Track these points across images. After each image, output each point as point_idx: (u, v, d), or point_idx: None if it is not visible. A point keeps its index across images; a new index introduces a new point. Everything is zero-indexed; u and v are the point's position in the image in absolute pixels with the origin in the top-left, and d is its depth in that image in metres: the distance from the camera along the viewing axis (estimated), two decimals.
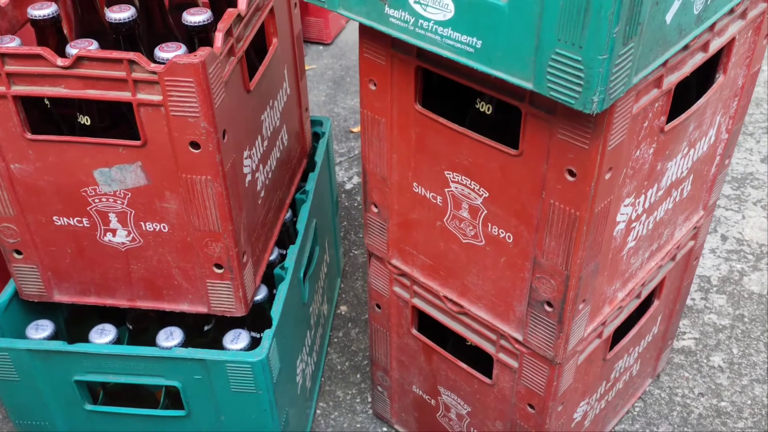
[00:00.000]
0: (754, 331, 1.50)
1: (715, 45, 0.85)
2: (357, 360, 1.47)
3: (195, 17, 0.95)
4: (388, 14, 0.77)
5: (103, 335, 1.04)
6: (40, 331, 1.05)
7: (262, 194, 1.11)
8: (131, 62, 0.85)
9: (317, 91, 2.27)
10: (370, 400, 1.39)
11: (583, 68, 0.64)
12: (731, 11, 0.83)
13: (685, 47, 0.78)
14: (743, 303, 1.56)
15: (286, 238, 1.28)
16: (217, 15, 0.99)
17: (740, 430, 1.32)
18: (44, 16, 0.95)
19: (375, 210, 1.03)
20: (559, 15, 0.63)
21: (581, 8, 0.61)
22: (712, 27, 0.81)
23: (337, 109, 2.20)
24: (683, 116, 0.88)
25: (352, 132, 2.10)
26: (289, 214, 1.27)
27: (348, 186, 1.90)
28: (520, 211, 0.86)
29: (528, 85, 0.69)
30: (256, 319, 1.13)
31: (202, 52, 0.84)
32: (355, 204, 1.85)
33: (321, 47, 2.49)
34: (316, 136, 1.43)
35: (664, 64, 0.76)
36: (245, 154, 1.01)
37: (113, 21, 0.94)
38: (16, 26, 1.01)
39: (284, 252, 1.25)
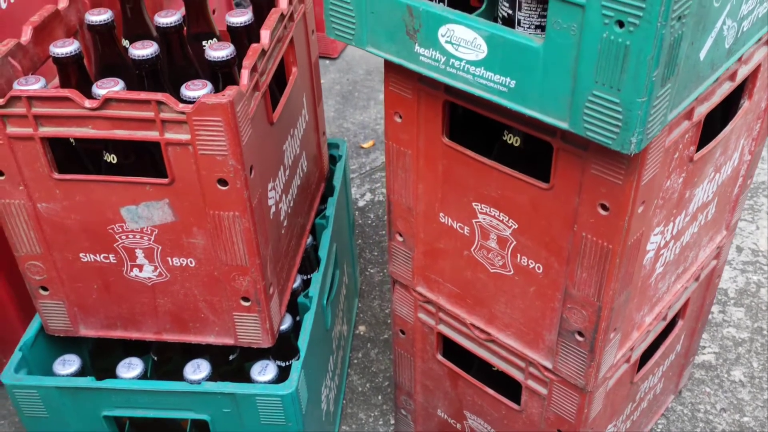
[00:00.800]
0: None
1: (742, 73, 0.85)
2: (378, 381, 1.47)
3: (218, 53, 0.95)
4: (418, 53, 0.77)
5: (130, 369, 1.04)
6: (68, 366, 1.05)
7: (285, 223, 1.11)
8: (159, 103, 0.85)
9: (326, 107, 2.27)
10: (392, 422, 1.38)
11: (622, 110, 0.64)
12: (758, 40, 0.84)
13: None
14: (761, 315, 1.56)
15: (308, 264, 1.28)
16: (236, 43, 1.00)
17: None
18: (67, 54, 0.95)
19: (400, 239, 1.03)
20: (596, 58, 0.63)
21: (620, 52, 0.61)
22: (740, 58, 0.81)
23: (346, 125, 2.20)
24: (711, 144, 0.88)
25: (362, 147, 2.10)
26: (309, 239, 1.27)
27: (361, 203, 1.90)
28: (550, 243, 0.86)
29: (563, 125, 0.69)
30: (281, 348, 1.13)
31: (230, 91, 0.84)
32: (369, 221, 1.85)
33: (327, 62, 2.49)
34: (332, 159, 1.43)
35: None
36: (269, 186, 1.02)
37: (136, 58, 0.94)
38: (37, 63, 1.01)
39: (306, 277, 1.25)
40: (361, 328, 1.58)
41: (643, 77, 0.61)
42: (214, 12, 1.74)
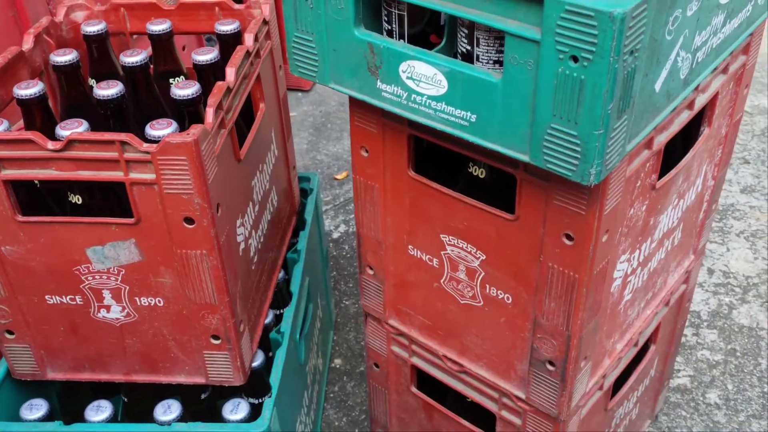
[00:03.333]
0: (747, 366, 1.51)
1: (700, 101, 0.86)
2: (354, 415, 1.45)
3: (183, 91, 0.95)
4: (381, 89, 0.78)
5: (99, 412, 1.02)
6: (35, 411, 1.03)
7: (255, 259, 1.11)
8: (123, 143, 0.84)
9: (299, 139, 2.28)
10: None
11: (580, 143, 0.65)
12: (714, 69, 0.85)
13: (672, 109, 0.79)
14: (734, 337, 1.57)
15: (280, 299, 1.27)
16: (202, 81, 1.00)
17: None
18: (31, 95, 0.94)
19: (370, 272, 1.03)
20: (553, 92, 0.64)
21: (575, 86, 0.62)
22: (696, 87, 0.83)
23: (320, 156, 2.20)
24: (673, 172, 0.89)
25: (336, 179, 2.11)
26: (281, 274, 1.26)
27: (335, 235, 1.90)
28: (518, 273, 0.86)
29: (524, 158, 0.70)
30: (254, 385, 1.12)
31: (195, 130, 0.84)
32: (343, 253, 1.84)
33: (300, 94, 2.50)
34: (304, 192, 1.43)
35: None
36: (238, 222, 1.01)
37: (101, 98, 0.94)
38: (1, 105, 1.00)
39: (278, 312, 1.24)
40: (337, 361, 1.57)
41: (599, 110, 0.62)
42: (184, 48, 1.74)
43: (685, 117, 0.85)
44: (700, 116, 0.94)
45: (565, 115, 0.64)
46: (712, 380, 1.48)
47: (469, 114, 0.72)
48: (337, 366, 1.56)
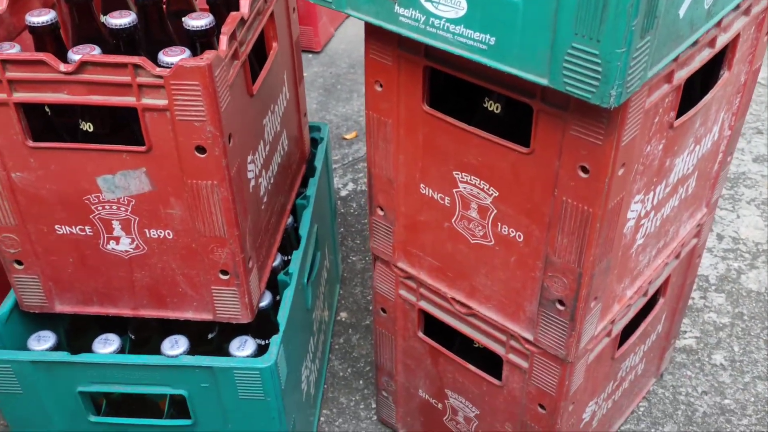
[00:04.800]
0: (754, 329, 1.50)
1: (721, 40, 0.85)
2: (359, 366, 1.45)
3: (197, 21, 0.94)
4: (398, 13, 0.77)
5: (106, 345, 1.02)
6: (42, 342, 1.03)
7: (265, 199, 1.10)
8: (136, 66, 0.84)
9: (308, 99, 2.26)
10: (374, 406, 1.37)
11: (601, 62, 0.63)
12: (737, 7, 0.84)
13: (694, 43, 0.78)
14: (742, 301, 1.56)
15: (288, 244, 1.27)
16: (215, 16, 0.99)
17: (744, 427, 1.32)
18: (43, 23, 0.93)
19: (381, 213, 1.03)
20: (576, 9, 0.63)
21: (599, 2, 0.61)
22: (719, 23, 0.81)
23: (329, 117, 2.19)
24: (692, 112, 0.88)
25: (344, 139, 2.10)
26: (290, 220, 1.26)
27: (343, 193, 1.90)
28: (531, 209, 0.85)
29: (543, 81, 0.69)
30: (261, 325, 1.12)
31: (208, 55, 0.83)
32: (351, 210, 1.84)
33: (311, 55, 2.48)
34: (314, 142, 1.42)
35: (675, 59, 0.76)
36: (249, 158, 1.00)
37: (113, 27, 0.93)
38: (13, 33, 0.99)
39: (287, 258, 1.24)
40: (343, 315, 1.57)
41: (622, 27, 0.61)
42: None
43: (706, 54, 0.84)
44: (720, 61, 0.93)
45: (587, 33, 0.63)
46: (719, 342, 1.48)
47: (488, 37, 0.71)
48: (343, 319, 1.56)
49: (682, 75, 0.80)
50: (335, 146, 2.06)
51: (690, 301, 1.55)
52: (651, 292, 1.09)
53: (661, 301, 1.17)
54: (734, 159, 1.96)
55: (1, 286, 1.11)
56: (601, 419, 1.21)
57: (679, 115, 0.86)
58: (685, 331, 1.50)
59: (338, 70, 2.42)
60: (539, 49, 0.67)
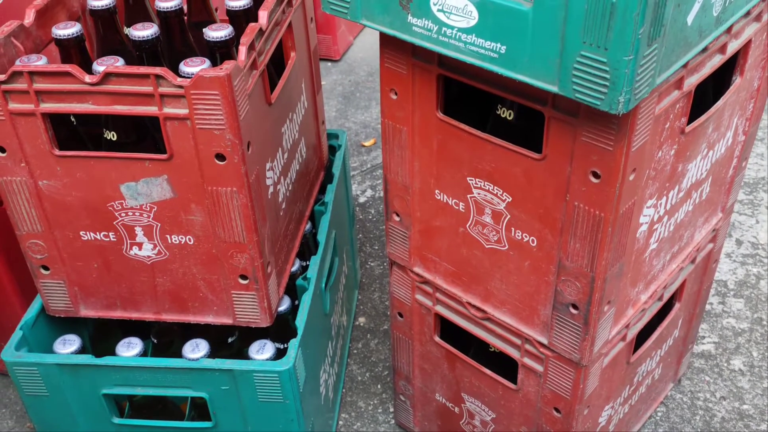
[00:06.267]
0: None
1: (732, 47, 0.86)
2: (377, 371, 1.47)
3: (217, 33, 0.97)
4: (411, 23, 0.78)
5: (130, 348, 1.05)
6: (68, 345, 1.06)
7: (284, 206, 1.12)
8: (158, 77, 0.86)
9: (328, 107, 2.29)
10: (392, 410, 1.39)
11: (609, 69, 0.65)
12: (747, 13, 0.85)
13: (704, 49, 0.79)
14: (761, 306, 1.56)
15: (306, 250, 1.29)
16: (235, 27, 1.01)
17: None
18: (69, 35, 0.96)
19: (397, 218, 1.04)
20: (584, 18, 0.64)
21: (606, 11, 0.62)
22: (729, 29, 0.82)
23: (348, 124, 2.21)
24: (703, 117, 0.89)
25: (363, 146, 2.12)
26: (308, 226, 1.28)
27: (362, 199, 1.92)
28: (544, 214, 0.87)
29: (553, 89, 0.70)
30: (279, 330, 1.14)
31: (228, 65, 0.86)
32: (370, 217, 1.86)
33: (330, 64, 2.51)
34: (332, 149, 1.44)
35: (685, 65, 0.77)
36: (267, 165, 1.03)
37: (137, 39, 0.95)
38: (40, 46, 1.03)
39: (305, 264, 1.26)
40: (361, 320, 1.59)
41: (629, 35, 0.62)
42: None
43: (717, 61, 0.85)
44: (732, 67, 0.94)
45: (595, 41, 0.64)
46: (737, 347, 1.48)
47: (498, 45, 0.72)
48: (362, 324, 1.57)
49: (692, 81, 0.81)
50: (354, 153, 2.09)
51: (708, 307, 1.55)
52: (666, 297, 1.09)
53: (676, 305, 1.17)
54: (753, 164, 1.95)
55: (27, 296, 1.14)
56: (618, 423, 1.21)
57: (690, 120, 0.87)
58: (704, 337, 1.50)
59: (357, 78, 2.44)
60: (549, 57, 0.69)
